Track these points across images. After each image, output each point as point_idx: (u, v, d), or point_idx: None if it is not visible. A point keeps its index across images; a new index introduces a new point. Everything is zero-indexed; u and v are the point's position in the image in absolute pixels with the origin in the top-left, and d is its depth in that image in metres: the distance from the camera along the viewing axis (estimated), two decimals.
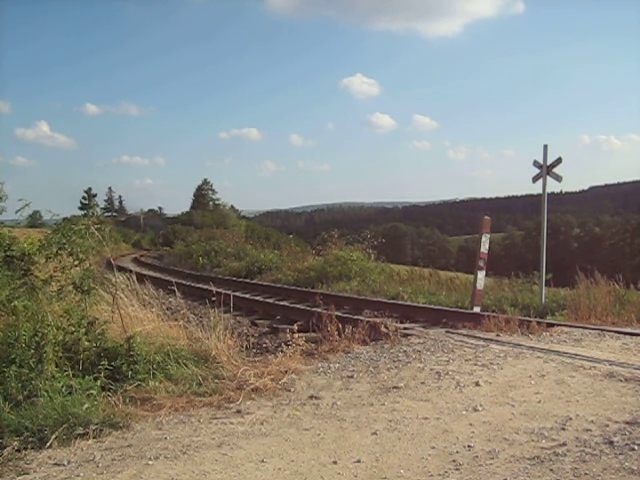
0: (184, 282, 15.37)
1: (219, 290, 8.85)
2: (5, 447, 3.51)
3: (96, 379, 4.43)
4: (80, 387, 4.23)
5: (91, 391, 4.21)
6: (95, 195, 65.29)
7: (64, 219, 5.53)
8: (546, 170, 9.30)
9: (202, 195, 71.02)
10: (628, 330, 6.71)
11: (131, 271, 6.95)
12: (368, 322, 6.66)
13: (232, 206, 65.94)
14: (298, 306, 10.05)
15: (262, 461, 3.31)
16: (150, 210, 78.88)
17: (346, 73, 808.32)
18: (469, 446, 3.38)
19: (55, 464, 3.37)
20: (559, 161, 9.22)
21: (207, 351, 5.28)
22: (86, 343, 4.75)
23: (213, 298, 6.49)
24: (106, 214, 75.25)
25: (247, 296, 12.47)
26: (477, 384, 4.61)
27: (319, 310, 7.00)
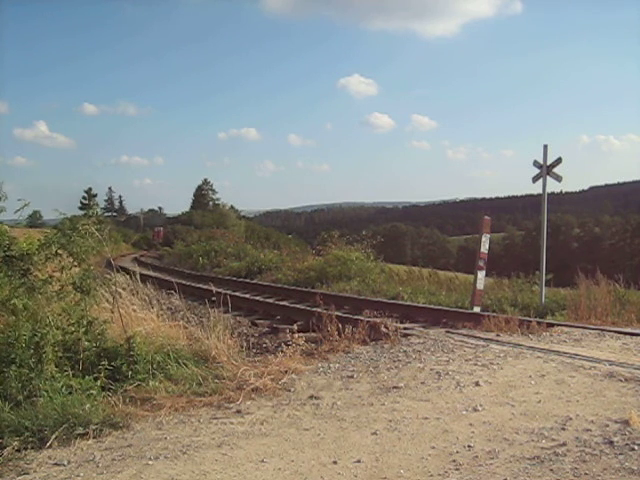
0: (184, 282, 15.37)
1: (219, 290, 8.84)
2: (5, 447, 3.51)
3: (96, 379, 4.43)
4: (80, 387, 4.23)
5: (91, 391, 4.21)
6: (95, 195, 65.30)
7: (64, 219, 5.53)
8: (546, 170, 9.30)
9: (202, 195, 71.03)
10: (628, 330, 6.71)
11: (131, 271, 6.94)
12: (368, 322, 6.65)
13: (232, 206, 65.93)
14: (298, 306, 10.04)
15: (262, 461, 3.31)
16: (150, 210, 79.02)
17: (344, 73, 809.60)
18: (469, 446, 3.38)
19: (55, 464, 3.37)
20: (559, 161, 9.23)
21: (207, 351, 5.28)
22: (86, 343, 4.74)
23: (213, 298, 6.49)
24: (106, 214, 75.30)
25: (247, 296, 12.46)
26: (477, 384, 4.61)
27: (319, 310, 6.99)
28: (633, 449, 3.17)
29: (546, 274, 9.41)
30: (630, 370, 4.82)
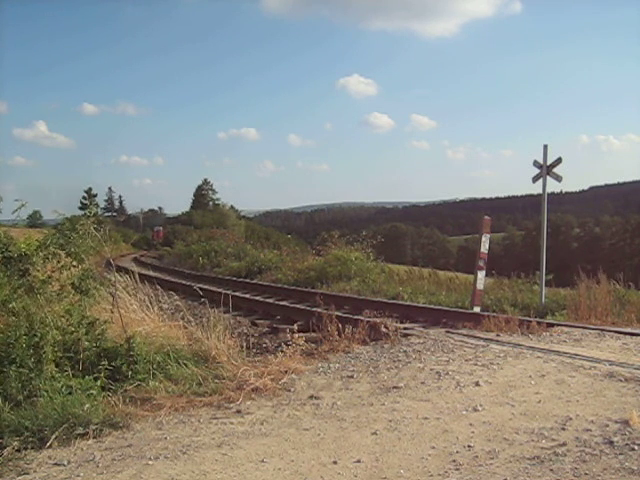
0: (184, 282, 15.39)
1: (219, 290, 8.84)
2: (5, 447, 3.50)
3: (96, 379, 4.42)
4: (80, 387, 4.22)
5: (91, 391, 4.21)
6: (95, 195, 65.20)
7: (64, 219, 5.53)
8: (546, 170, 9.30)
9: (202, 195, 71.06)
10: (628, 330, 6.71)
11: (131, 271, 6.94)
12: (368, 322, 6.65)
13: (232, 206, 65.95)
14: (298, 306, 10.04)
15: (262, 461, 3.31)
16: (150, 210, 79.10)
17: (343, 73, 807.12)
18: (469, 446, 3.38)
19: (55, 464, 3.36)
20: (559, 161, 9.23)
21: (207, 351, 5.28)
22: (86, 343, 4.74)
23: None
24: (106, 214, 75.33)
25: (247, 296, 12.47)
26: (477, 384, 4.61)
27: (319, 310, 6.99)
28: (633, 449, 3.17)
29: (546, 274, 9.42)
30: (630, 370, 4.82)
